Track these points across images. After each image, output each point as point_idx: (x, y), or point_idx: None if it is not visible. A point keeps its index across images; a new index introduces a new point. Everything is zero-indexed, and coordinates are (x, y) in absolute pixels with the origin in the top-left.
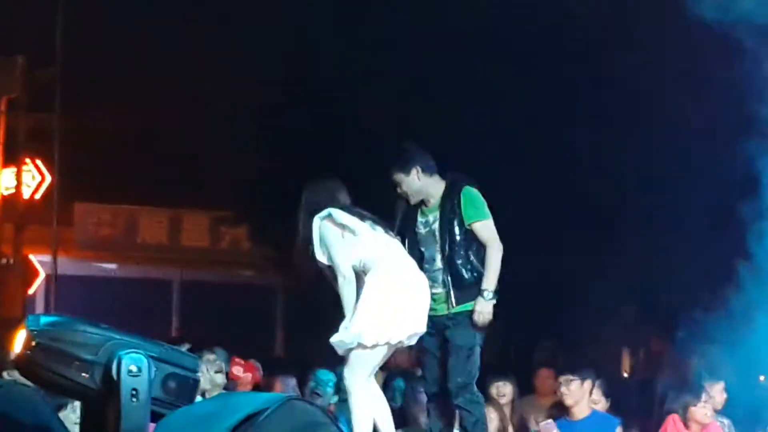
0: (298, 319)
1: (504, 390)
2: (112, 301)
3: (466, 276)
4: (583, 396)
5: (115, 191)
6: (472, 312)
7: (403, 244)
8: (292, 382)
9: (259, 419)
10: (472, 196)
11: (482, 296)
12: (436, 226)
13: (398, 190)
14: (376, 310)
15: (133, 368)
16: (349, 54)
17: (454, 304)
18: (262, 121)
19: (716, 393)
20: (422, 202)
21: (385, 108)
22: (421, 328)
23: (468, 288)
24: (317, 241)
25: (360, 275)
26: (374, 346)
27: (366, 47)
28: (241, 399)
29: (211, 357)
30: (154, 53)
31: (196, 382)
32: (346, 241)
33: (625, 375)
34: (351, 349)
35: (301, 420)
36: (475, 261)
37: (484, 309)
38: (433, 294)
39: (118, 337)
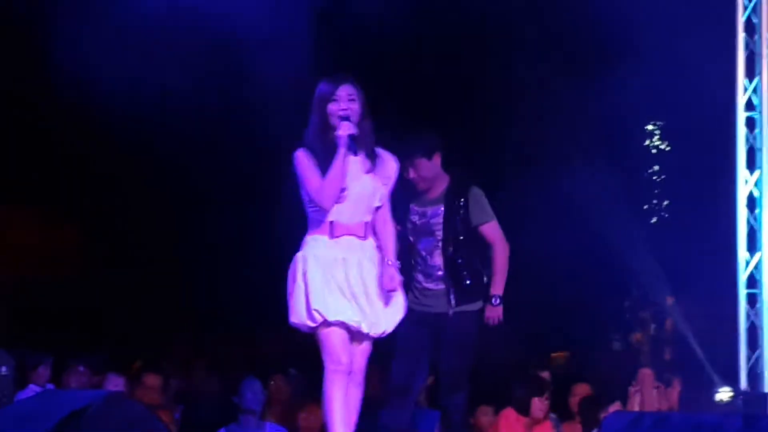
0: (130, 315)
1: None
2: None
3: (467, 279)
4: None
5: None
6: (472, 312)
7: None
8: (121, 381)
9: (83, 416)
10: (479, 197)
11: (491, 302)
12: (436, 221)
13: (409, 174)
14: None
15: None
16: None
17: (453, 305)
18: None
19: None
20: (421, 191)
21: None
22: None
23: (469, 289)
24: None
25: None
26: None
27: None
28: (64, 396)
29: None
30: None
31: (12, 380)
32: None
33: None
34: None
35: (126, 416)
36: (477, 263)
37: (493, 314)
38: (429, 290)
39: None
